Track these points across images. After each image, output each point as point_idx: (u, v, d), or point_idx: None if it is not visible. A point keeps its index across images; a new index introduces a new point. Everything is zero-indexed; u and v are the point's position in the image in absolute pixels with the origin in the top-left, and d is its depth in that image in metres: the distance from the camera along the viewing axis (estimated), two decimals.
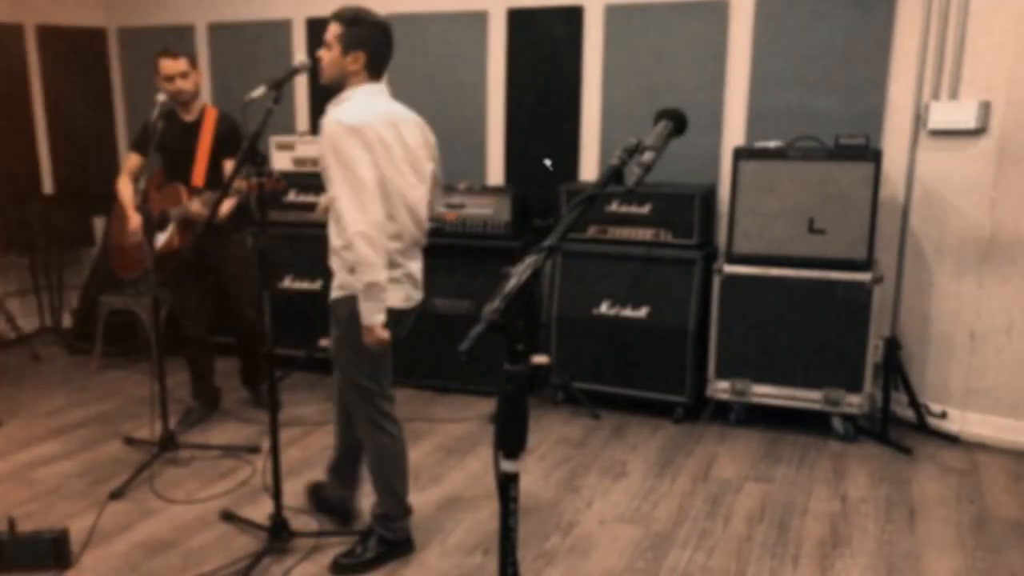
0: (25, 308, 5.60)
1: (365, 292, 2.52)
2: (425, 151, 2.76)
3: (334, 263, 2.70)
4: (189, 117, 3.94)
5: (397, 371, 4.85)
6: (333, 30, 2.63)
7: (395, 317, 2.66)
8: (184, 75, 3.81)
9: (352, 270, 2.59)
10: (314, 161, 4.75)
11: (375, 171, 2.52)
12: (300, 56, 2.77)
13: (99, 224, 5.73)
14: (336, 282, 2.70)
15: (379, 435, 2.80)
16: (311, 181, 4.44)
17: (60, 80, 5.61)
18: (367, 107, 2.59)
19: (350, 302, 2.62)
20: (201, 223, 3.63)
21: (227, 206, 3.79)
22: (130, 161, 3.99)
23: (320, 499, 3.16)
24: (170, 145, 3.86)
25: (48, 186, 5.67)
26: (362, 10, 2.67)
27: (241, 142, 3.90)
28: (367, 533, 2.89)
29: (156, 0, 5.61)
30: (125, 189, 3.96)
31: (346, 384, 2.79)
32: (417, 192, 2.70)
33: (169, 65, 3.78)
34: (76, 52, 5.67)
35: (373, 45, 2.63)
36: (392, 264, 2.62)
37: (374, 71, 2.66)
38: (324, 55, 2.65)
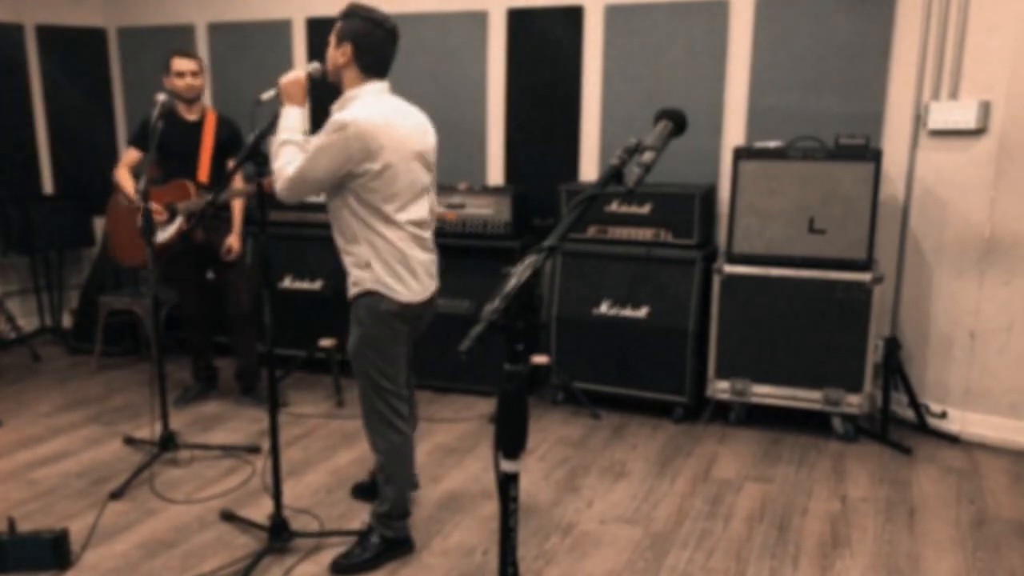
0: (25, 308, 5.61)
1: (280, 147, 2.61)
2: (429, 145, 2.77)
3: (345, 261, 2.72)
4: (191, 116, 4.14)
5: None
6: (335, 28, 2.65)
7: (408, 311, 2.71)
8: (195, 74, 4.07)
9: (366, 265, 2.64)
10: None
11: (332, 171, 2.54)
12: (314, 63, 2.76)
13: (99, 224, 5.73)
14: (351, 279, 2.72)
15: (392, 434, 2.81)
16: None
17: (60, 80, 5.61)
18: (375, 106, 2.58)
19: (369, 299, 2.67)
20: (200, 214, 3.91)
21: (239, 205, 4.21)
22: (129, 156, 4.15)
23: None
24: (172, 142, 4.03)
25: (48, 186, 5.67)
26: (359, 5, 2.65)
27: (243, 144, 4.19)
28: (367, 533, 2.90)
29: (156, 0, 5.61)
30: (128, 180, 4.13)
31: (362, 382, 2.78)
32: (422, 185, 2.72)
33: (183, 63, 4.05)
34: (76, 52, 5.67)
35: (359, 38, 2.59)
36: (402, 258, 2.65)
37: (366, 66, 2.62)
38: (327, 53, 2.67)
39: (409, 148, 2.63)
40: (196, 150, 4.09)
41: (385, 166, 2.55)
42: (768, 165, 3.94)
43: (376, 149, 2.53)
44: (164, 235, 4.00)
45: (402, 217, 2.64)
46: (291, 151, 2.60)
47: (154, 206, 3.98)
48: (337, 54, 2.62)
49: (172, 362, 4.80)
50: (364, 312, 2.69)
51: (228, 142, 4.16)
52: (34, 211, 5.43)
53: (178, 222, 4.02)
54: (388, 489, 2.85)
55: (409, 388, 3.01)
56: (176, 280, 4.33)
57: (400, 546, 2.90)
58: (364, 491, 3.33)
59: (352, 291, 2.72)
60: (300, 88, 2.67)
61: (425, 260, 2.75)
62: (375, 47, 2.62)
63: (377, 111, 2.57)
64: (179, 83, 4.04)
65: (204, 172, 4.09)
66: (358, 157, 2.52)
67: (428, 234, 2.78)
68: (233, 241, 4.14)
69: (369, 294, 2.67)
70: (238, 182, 4.12)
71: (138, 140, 4.10)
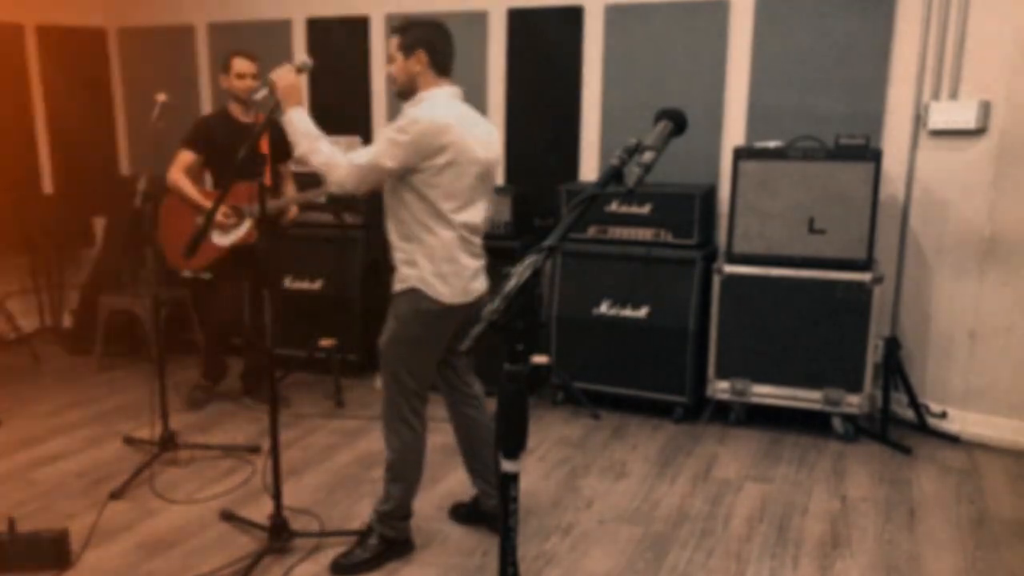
0: (25, 308, 5.60)
1: (314, 143, 2.68)
2: (491, 156, 2.81)
3: (396, 258, 2.76)
4: (247, 119, 4.09)
5: None
6: (392, 43, 2.73)
7: (449, 313, 2.74)
8: (255, 76, 4.03)
9: (414, 263, 2.68)
10: None
11: (402, 163, 2.60)
12: (302, 56, 2.80)
13: (99, 224, 5.73)
14: (397, 276, 2.76)
15: (405, 432, 2.82)
16: (312, 181, 4.43)
17: (60, 80, 5.61)
18: (446, 107, 2.68)
19: (411, 295, 2.71)
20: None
21: (295, 210, 4.19)
22: (185, 158, 4.04)
23: (477, 513, 3.13)
24: (228, 145, 3.95)
25: (48, 186, 5.67)
26: (413, 16, 2.78)
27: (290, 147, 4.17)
28: (367, 533, 2.90)
29: (156, 0, 5.61)
30: (187, 183, 4.04)
31: (387, 377, 2.81)
32: (480, 191, 2.77)
33: (245, 64, 4.02)
34: (76, 52, 5.67)
35: (430, 42, 2.71)
36: (450, 260, 2.70)
37: (439, 68, 2.73)
38: (391, 68, 2.75)
39: (474, 152, 2.69)
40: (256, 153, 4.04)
41: (449, 163, 2.62)
42: (768, 165, 3.94)
43: (445, 144, 2.61)
44: (231, 238, 4.00)
45: (458, 218, 2.69)
46: (327, 145, 2.69)
47: (222, 208, 3.93)
48: (411, 63, 2.70)
49: (173, 362, 4.80)
50: (405, 308, 2.73)
51: (279, 146, 4.07)
52: (34, 211, 5.44)
53: (247, 225, 3.99)
54: (394, 488, 2.85)
55: (475, 386, 3.07)
56: (221, 281, 4.19)
57: (400, 546, 2.90)
58: (464, 514, 3.20)
59: (397, 287, 2.76)
60: (297, 89, 2.76)
61: (473, 266, 2.79)
62: (443, 48, 2.74)
63: (449, 111, 2.68)
64: (239, 84, 4.01)
65: (267, 175, 3.98)
66: (427, 152, 2.60)
67: (478, 240, 2.83)
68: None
69: (412, 291, 2.71)
70: (290, 188, 4.14)
71: (192, 142, 4.03)
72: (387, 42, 2.80)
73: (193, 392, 4.37)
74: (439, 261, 2.69)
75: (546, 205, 4.63)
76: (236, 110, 4.09)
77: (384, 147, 2.61)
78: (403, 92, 2.76)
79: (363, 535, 2.90)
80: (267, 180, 3.98)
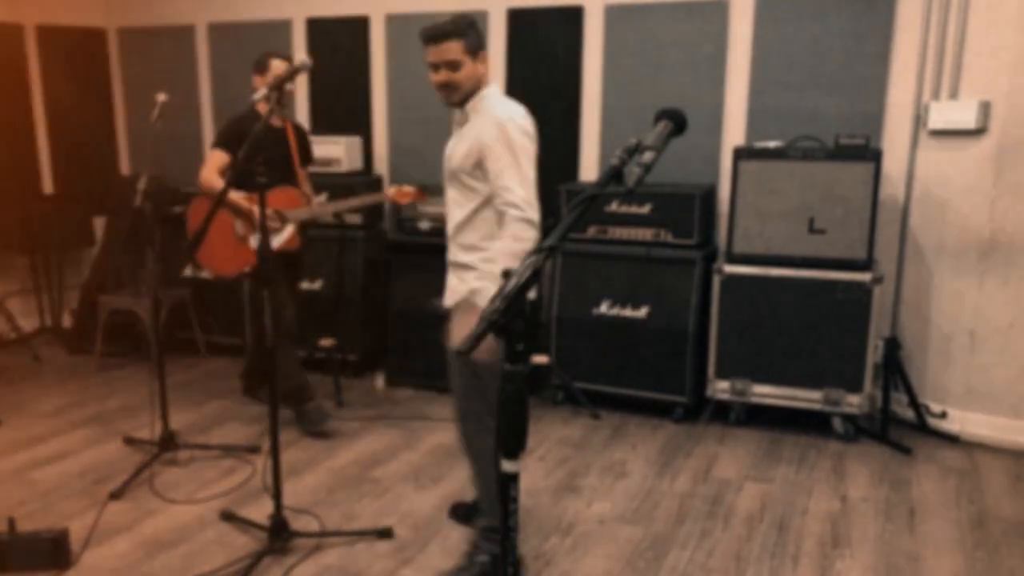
0: (25, 308, 5.60)
1: (513, 248, 2.51)
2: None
3: (473, 258, 2.68)
4: (278, 122, 3.94)
5: (397, 371, 4.85)
6: (452, 48, 2.55)
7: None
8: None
9: (495, 260, 2.57)
10: (319, 161, 4.74)
11: (534, 165, 2.67)
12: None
13: (99, 224, 5.73)
14: (476, 274, 2.66)
15: (488, 436, 2.67)
16: (312, 181, 4.43)
17: (60, 80, 5.61)
18: (515, 105, 2.70)
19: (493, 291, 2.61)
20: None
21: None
22: (220, 158, 3.84)
23: (478, 515, 3.03)
24: (263, 148, 3.79)
25: (48, 186, 5.67)
26: (458, 16, 2.62)
27: (312, 152, 4.16)
28: (473, 552, 2.78)
29: (156, 0, 5.61)
30: (222, 185, 3.80)
31: (466, 378, 2.68)
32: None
33: (283, 66, 3.83)
34: (76, 52, 5.67)
35: (482, 42, 2.67)
36: (525, 251, 2.63)
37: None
38: (454, 75, 2.58)
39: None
40: (288, 156, 3.93)
41: (535, 151, 2.68)
42: (768, 165, 3.94)
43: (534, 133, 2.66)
44: (274, 243, 3.81)
45: (538, 207, 2.75)
46: (503, 238, 2.63)
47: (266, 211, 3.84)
48: (477, 66, 2.62)
49: (173, 362, 4.80)
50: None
51: (304, 150, 4.07)
52: (34, 211, 5.44)
53: (289, 230, 3.86)
54: (486, 498, 2.73)
55: None
56: (280, 289, 3.91)
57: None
58: (464, 515, 3.15)
59: (476, 284, 2.64)
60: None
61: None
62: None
63: (519, 108, 2.71)
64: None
65: (302, 179, 3.97)
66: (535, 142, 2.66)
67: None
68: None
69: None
70: (307, 189, 4.07)
71: (228, 143, 3.83)
72: (436, 48, 2.57)
73: (313, 419, 4.03)
74: (520, 255, 2.57)
75: (546, 205, 4.62)
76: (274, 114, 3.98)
77: (518, 167, 2.56)
78: (466, 96, 2.63)
79: (470, 554, 2.78)
80: (302, 185, 3.96)
